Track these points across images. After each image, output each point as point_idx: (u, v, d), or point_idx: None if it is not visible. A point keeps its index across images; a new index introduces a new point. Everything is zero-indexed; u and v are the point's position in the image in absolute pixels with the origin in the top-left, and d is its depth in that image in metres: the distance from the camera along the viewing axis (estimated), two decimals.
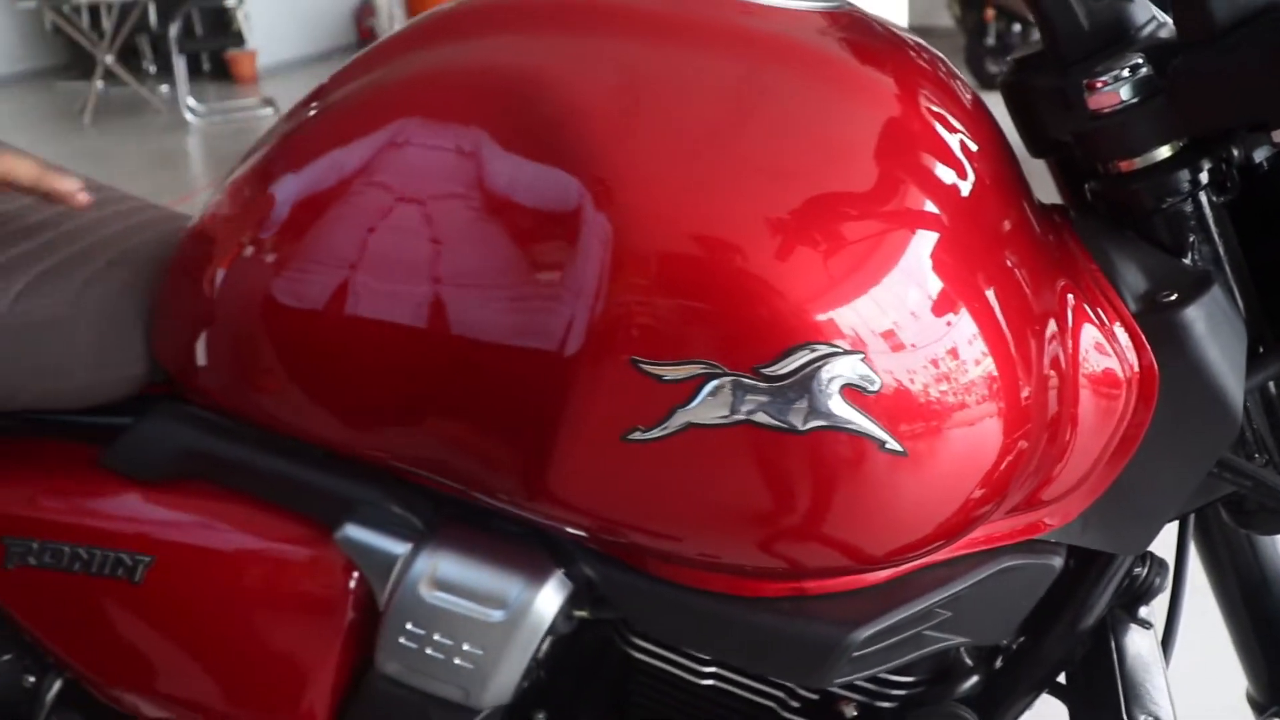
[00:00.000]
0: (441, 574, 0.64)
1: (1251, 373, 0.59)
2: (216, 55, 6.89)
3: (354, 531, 0.68)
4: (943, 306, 0.53)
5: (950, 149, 0.57)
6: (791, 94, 0.55)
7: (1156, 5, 0.63)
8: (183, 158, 5.56)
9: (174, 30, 5.70)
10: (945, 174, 0.56)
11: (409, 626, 0.66)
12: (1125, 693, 0.64)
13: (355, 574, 0.71)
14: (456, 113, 0.58)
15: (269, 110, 6.17)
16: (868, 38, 0.61)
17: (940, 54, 0.68)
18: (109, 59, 5.99)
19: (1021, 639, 0.70)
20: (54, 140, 5.78)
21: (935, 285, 0.53)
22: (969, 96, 0.64)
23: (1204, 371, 0.57)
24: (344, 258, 0.61)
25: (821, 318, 0.49)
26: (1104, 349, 0.59)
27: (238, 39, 6.29)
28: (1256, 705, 0.85)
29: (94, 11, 6.16)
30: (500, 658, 0.64)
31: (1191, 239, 0.60)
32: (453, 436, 0.60)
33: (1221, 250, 0.60)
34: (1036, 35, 0.64)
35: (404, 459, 0.66)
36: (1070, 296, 0.59)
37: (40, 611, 0.81)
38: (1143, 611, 0.70)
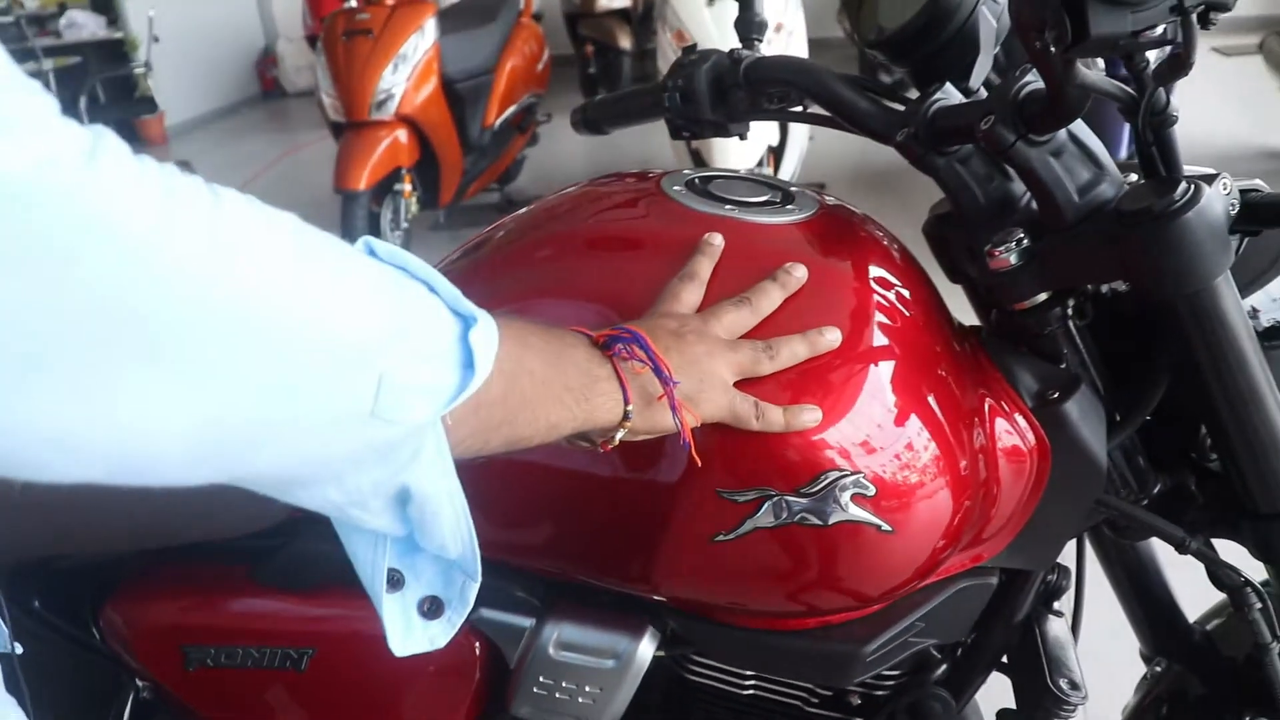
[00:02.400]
0: (563, 638, 0.88)
1: (1111, 437, 0.86)
2: (123, 120, 6.91)
3: (485, 613, 0.90)
4: (904, 418, 0.78)
5: (897, 306, 0.83)
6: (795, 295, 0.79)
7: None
8: None
9: (83, 102, 5.74)
10: (897, 324, 0.81)
11: (541, 679, 0.89)
12: (1049, 665, 0.91)
13: (479, 643, 0.94)
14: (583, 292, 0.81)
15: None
16: (836, 232, 0.86)
17: (881, 225, 0.93)
18: None
19: (974, 634, 0.97)
20: None
21: (899, 405, 0.77)
22: (903, 256, 0.90)
23: (1079, 445, 0.83)
24: None
25: (836, 453, 0.74)
26: (1011, 433, 0.85)
27: (149, 105, 6.30)
28: (1146, 658, 1.14)
29: None
30: (614, 694, 0.88)
31: (1065, 352, 0.86)
32: (569, 548, 0.84)
33: (1085, 357, 0.86)
34: None
35: (521, 559, 0.89)
36: (986, 398, 0.85)
37: (219, 704, 0.99)
38: (1056, 605, 0.97)
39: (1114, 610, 1.12)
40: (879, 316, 0.80)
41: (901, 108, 0.87)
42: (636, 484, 0.78)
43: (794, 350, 0.74)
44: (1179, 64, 0.64)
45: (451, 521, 0.57)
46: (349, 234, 3.99)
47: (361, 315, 0.48)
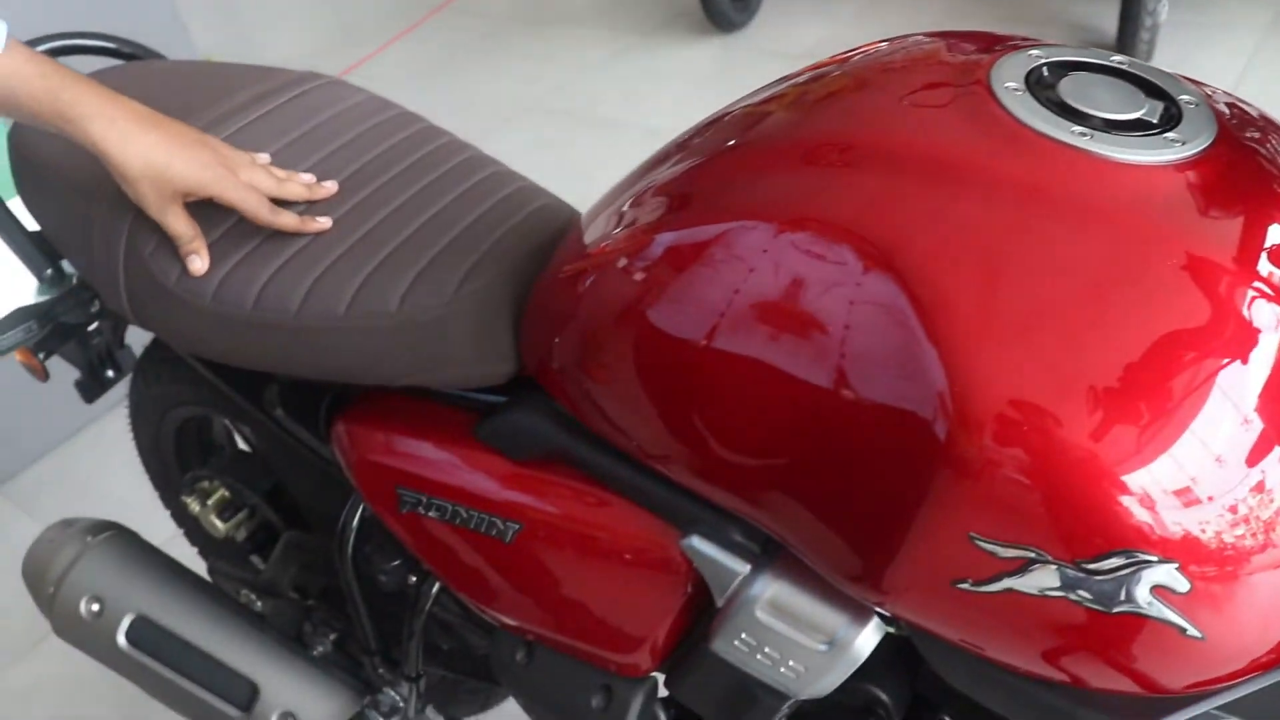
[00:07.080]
0: (776, 599, 0.74)
1: None
2: None
3: (699, 544, 0.78)
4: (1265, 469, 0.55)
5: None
6: (1131, 280, 0.57)
7: None
8: None
9: None
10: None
11: (743, 636, 0.77)
12: None
13: (690, 569, 0.83)
14: (839, 225, 0.63)
15: None
16: (1234, 178, 0.61)
17: None
18: None
19: None
20: None
21: (1264, 450, 0.55)
22: None
23: None
24: (727, 298, 0.65)
25: (1142, 525, 0.53)
26: None
27: None
28: None
29: None
30: (820, 677, 0.74)
31: None
32: (794, 512, 0.68)
33: None
34: None
35: (737, 498, 0.72)
36: None
37: (426, 546, 0.97)
38: None
39: None
40: (1260, 314, 0.57)
41: None
42: (877, 480, 0.62)
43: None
44: None
45: None
46: None
47: None
